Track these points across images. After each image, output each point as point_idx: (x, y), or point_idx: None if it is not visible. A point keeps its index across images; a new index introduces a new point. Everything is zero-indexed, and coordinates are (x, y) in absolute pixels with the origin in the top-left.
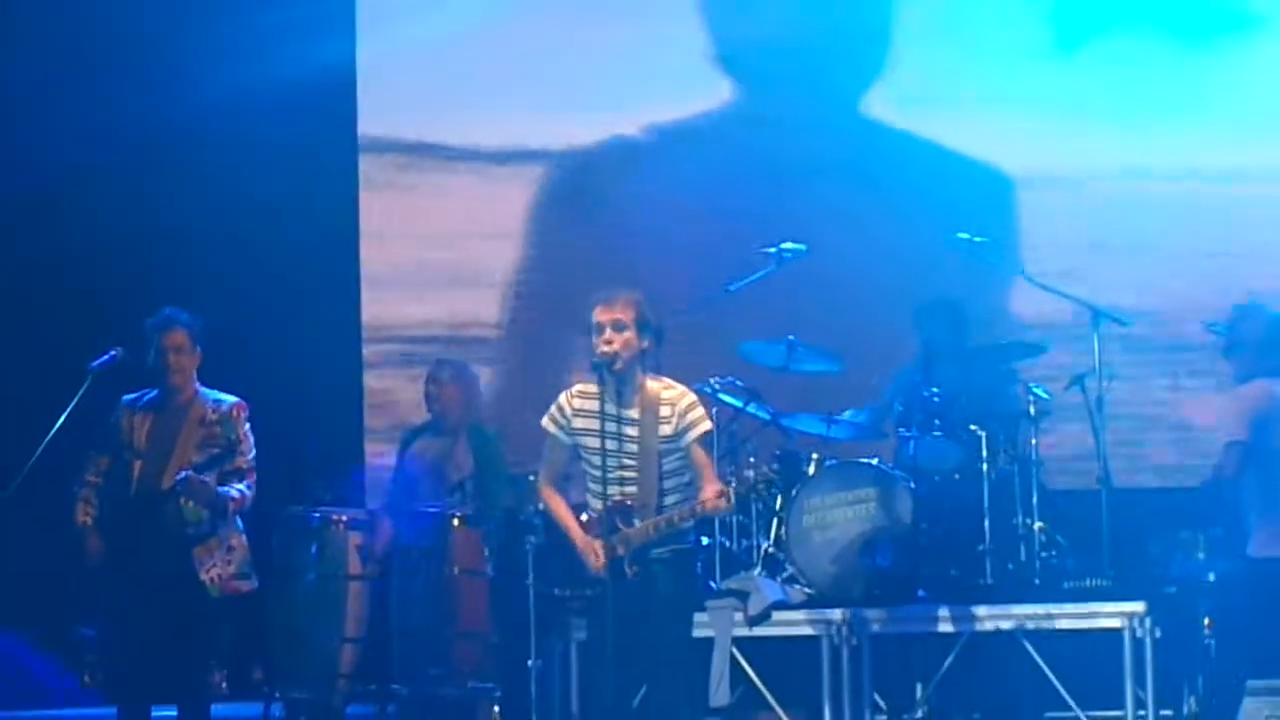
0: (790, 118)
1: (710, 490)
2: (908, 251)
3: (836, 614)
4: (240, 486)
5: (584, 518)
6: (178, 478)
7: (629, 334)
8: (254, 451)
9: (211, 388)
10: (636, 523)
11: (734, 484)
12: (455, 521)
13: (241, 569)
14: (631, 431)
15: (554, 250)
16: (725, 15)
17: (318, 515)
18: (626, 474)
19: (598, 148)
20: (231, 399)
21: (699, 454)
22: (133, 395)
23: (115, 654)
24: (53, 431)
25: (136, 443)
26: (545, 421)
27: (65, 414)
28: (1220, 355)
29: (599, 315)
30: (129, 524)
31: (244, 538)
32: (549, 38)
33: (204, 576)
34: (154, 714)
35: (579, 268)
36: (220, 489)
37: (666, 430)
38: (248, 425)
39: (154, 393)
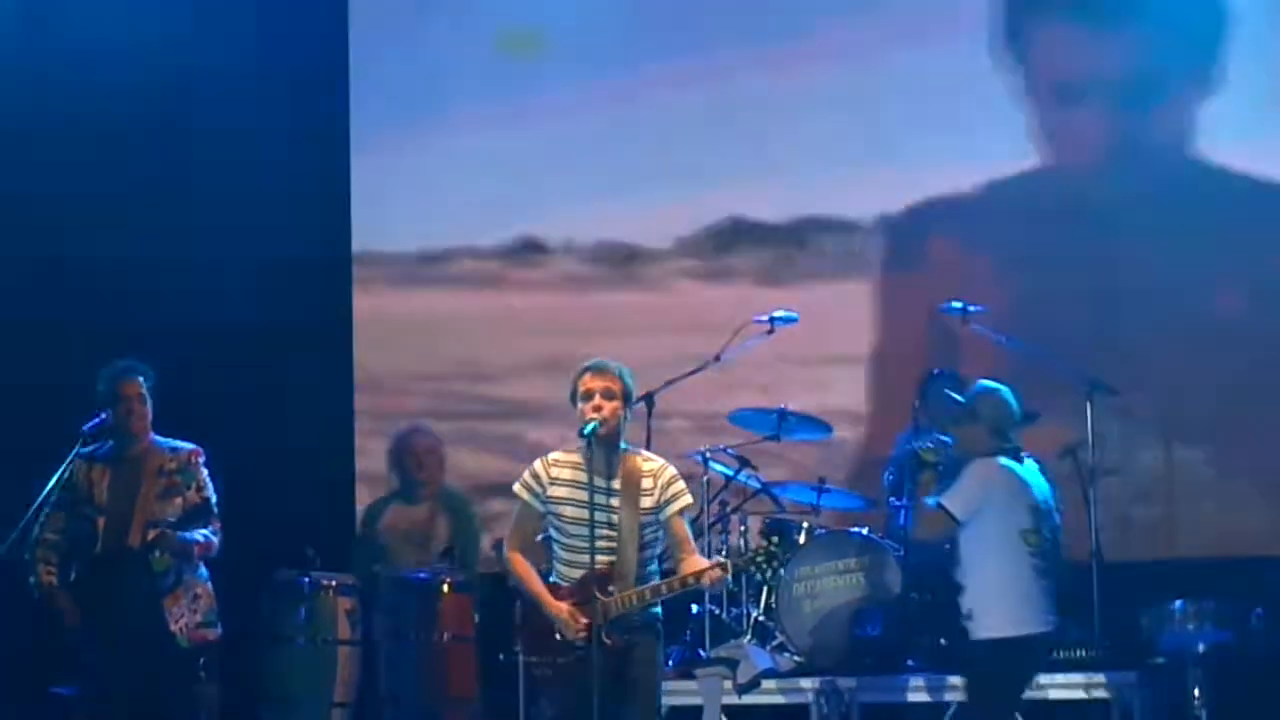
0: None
1: (697, 564)
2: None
3: (826, 683)
4: (205, 531)
5: (560, 587)
6: (150, 536)
7: (617, 403)
8: (215, 496)
9: (168, 437)
10: (613, 592)
11: (729, 556)
12: (445, 587)
13: (207, 617)
14: (613, 502)
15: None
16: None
17: (308, 580)
18: (606, 544)
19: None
20: (188, 445)
21: (679, 527)
22: (88, 448)
23: (96, 715)
24: (45, 493)
25: (97, 499)
26: (518, 488)
27: (57, 476)
28: (950, 422)
29: (589, 382)
30: (98, 582)
31: (209, 586)
32: None
33: (174, 628)
34: None
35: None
36: (185, 535)
37: (648, 503)
38: (206, 471)
39: (108, 445)
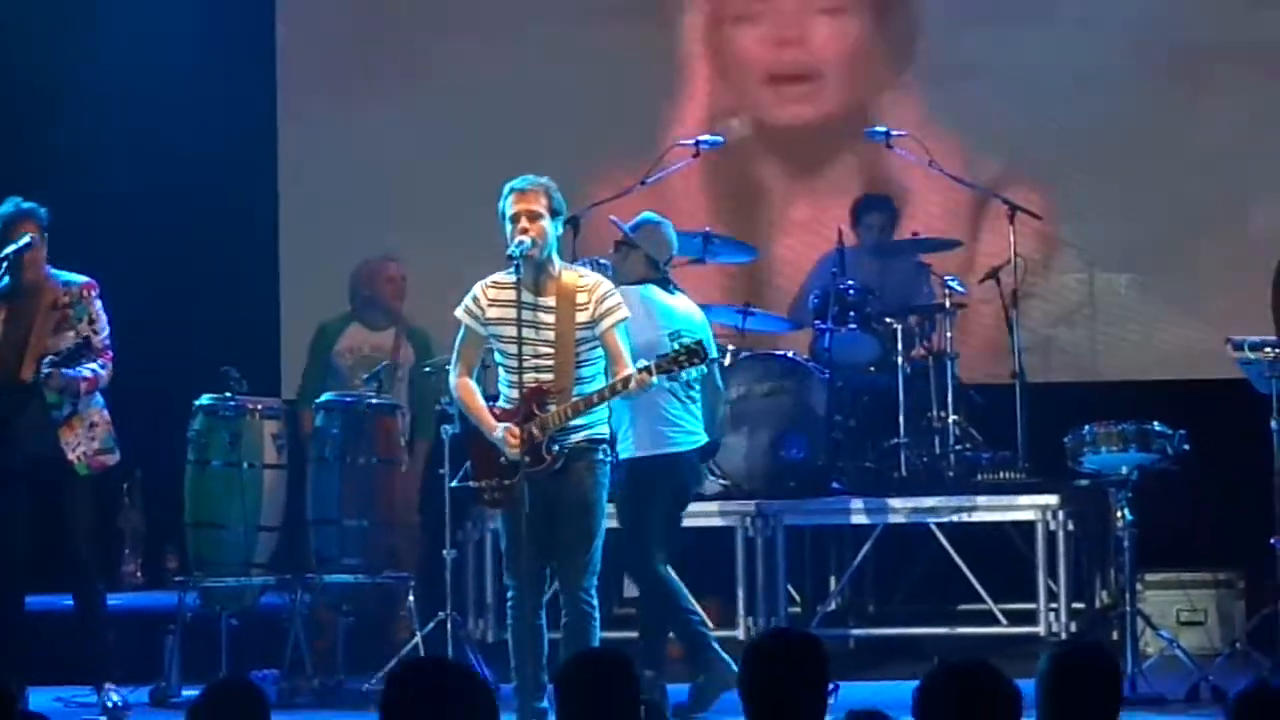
0: None
1: (629, 369)
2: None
3: (750, 505)
4: (93, 366)
5: (497, 409)
6: (41, 373)
7: (544, 222)
8: (108, 330)
9: (61, 269)
10: (552, 408)
11: (655, 360)
12: (372, 411)
13: (105, 443)
14: (547, 319)
15: None
16: None
17: (233, 403)
18: (542, 361)
19: None
20: (81, 279)
21: (614, 340)
22: None
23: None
24: None
25: None
26: (459, 312)
27: None
28: (612, 248)
29: (515, 204)
30: None
31: (105, 413)
32: None
33: (71, 457)
34: (50, 605)
35: None
36: (69, 371)
37: (583, 317)
38: (99, 303)
39: (3, 281)
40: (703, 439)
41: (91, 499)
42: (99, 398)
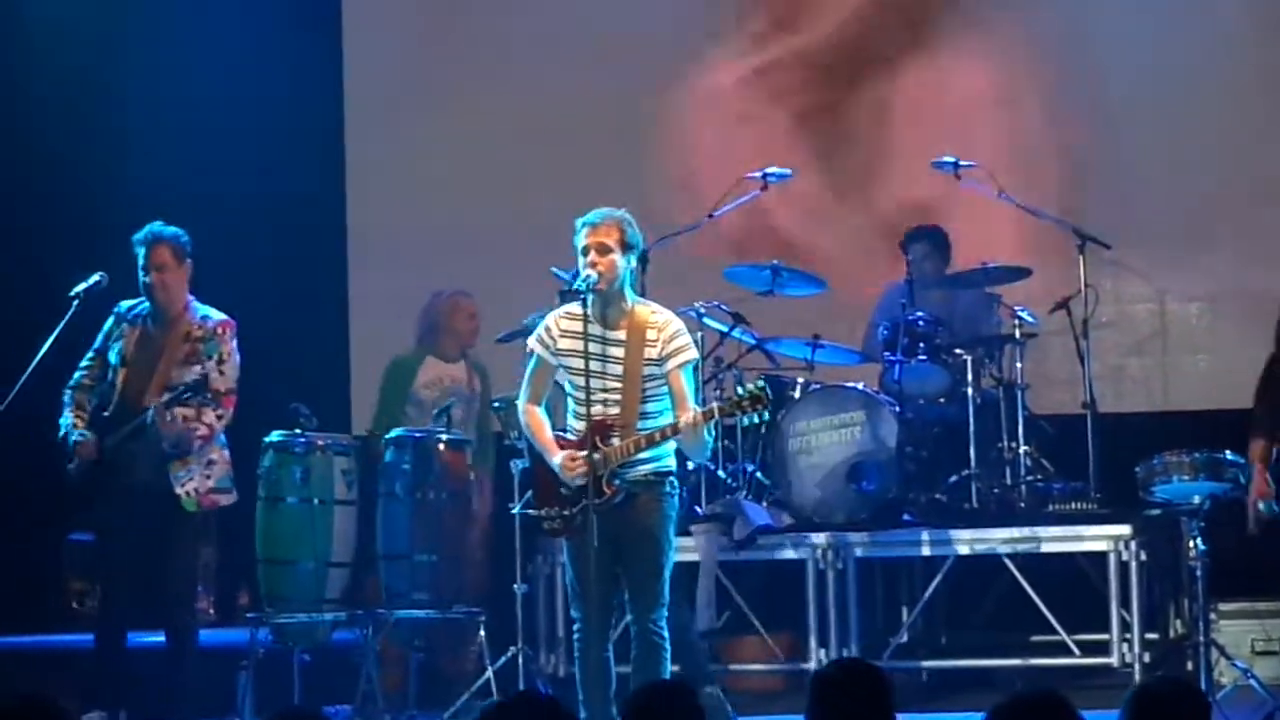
0: None
1: (691, 410)
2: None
3: (821, 538)
4: (209, 419)
5: (563, 439)
6: (147, 409)
7: (614, 256)
8: (237, 372)
9: (204, 303)
10: (616, 442)
11: (718, 402)
12: (441, 446)
13: (220, 483)
14: (616, 353)
15: None
16: None
17: (304, 440)
18: (609, 395)
19: None
20: (220, 316)
21: (679, 381)
22: (129, 304)
23: (103, 565)
24: (40, 353)
25: (125, 353)
26: (531, 342)
27: (52, 338)
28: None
29: (586, 238)
30: (112, 435)
31: (226, 452)
32: None
33: (179, 490)
34: (139, 640)
35: None
36: (185, 431)
37: (651, 353)
38: (234, 344)
39: (147, 304)
40: None
41: (194, 536)
42: (221, 437)
